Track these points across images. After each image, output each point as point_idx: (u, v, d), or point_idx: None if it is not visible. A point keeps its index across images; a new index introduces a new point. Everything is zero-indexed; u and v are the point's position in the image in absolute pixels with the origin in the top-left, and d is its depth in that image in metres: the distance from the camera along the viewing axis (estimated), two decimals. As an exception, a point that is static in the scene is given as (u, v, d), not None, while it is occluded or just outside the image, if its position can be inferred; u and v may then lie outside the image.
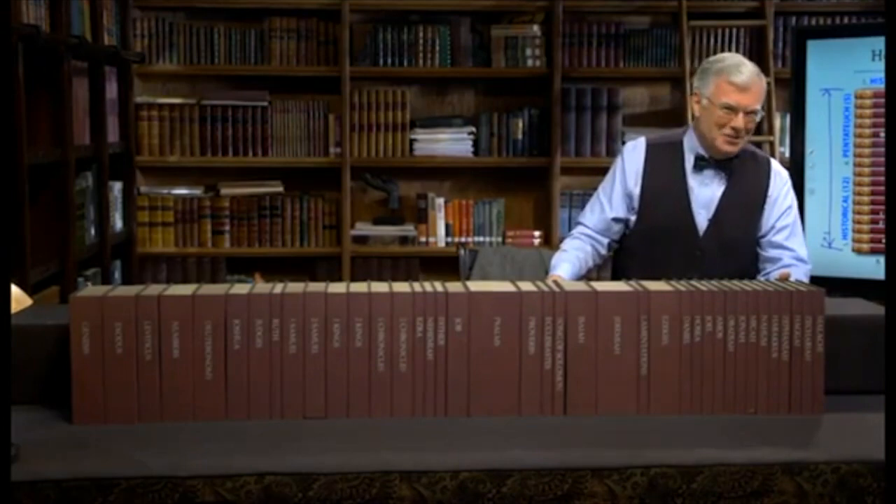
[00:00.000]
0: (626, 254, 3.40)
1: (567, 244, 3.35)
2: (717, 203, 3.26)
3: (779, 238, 3.29)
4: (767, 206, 3.29)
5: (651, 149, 3.33)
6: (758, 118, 3.22)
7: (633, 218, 3.32)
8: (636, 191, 3.29)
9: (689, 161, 3.28)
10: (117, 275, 4.88)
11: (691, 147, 3.30)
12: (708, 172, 3.27)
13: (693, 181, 3.27)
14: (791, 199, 3.34)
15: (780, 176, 3.33)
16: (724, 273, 2.89)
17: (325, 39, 5.30)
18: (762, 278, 3.23)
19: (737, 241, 3.26)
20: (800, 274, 3.19)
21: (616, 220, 3.33)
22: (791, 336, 2.36)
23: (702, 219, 3.26)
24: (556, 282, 2.46)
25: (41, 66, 3.88)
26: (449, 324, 2.30)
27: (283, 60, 5.27)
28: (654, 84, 5.51)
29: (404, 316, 2.30)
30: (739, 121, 3.15)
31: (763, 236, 3.30)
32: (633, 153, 3.33)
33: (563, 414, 2.34)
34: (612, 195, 3.33)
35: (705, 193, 3.27)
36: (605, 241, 3.36)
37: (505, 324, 2.31)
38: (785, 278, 2.99)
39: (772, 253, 3.29)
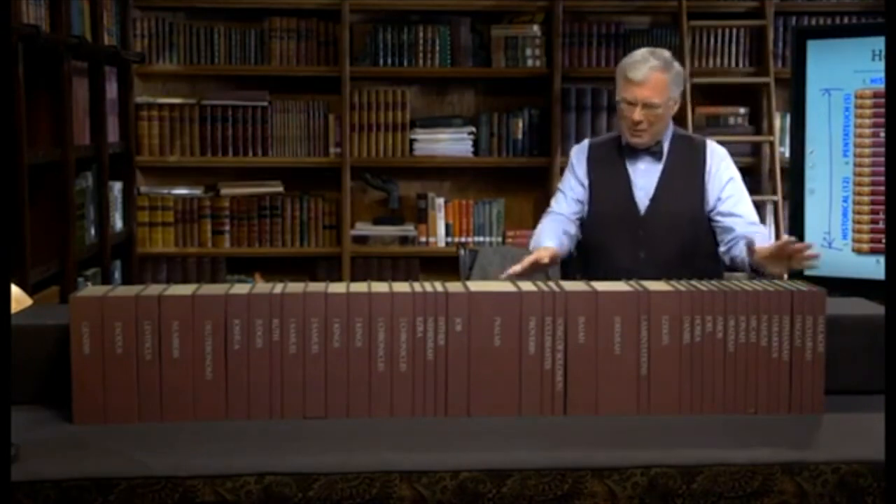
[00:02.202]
0: (578, 246, 3.56)
1: (542, 223, 3.52)
2: (656, 184, 3.41)
3: (726, 207, 3.40)
4: (708, 182, 3.42)
5: (593, 147, 3.55)
6: (660, 111, 3.35)
7: (586, 208, 3.50)
8: (583, 187, 3.49)
9: (626, 152, 3.47)
10: (117, 275, 4.88)
11: (625, 141, 3.48)
12: (644, 159, 3.44)
13: (632, 169, 3.44)
14: (731, 171, 3.47)
15: (716, 153, 3.48)
16: (667, 249, 3.25)
17: (325, 39, 5.30)
18: (724, 249, 3.37)
19: (678, 218, 3.38)
20: (762, 239, 3.24)
21: (578, 200, 3.50)
22: (791, 336, 2.36)
23: (642, 201, 3.41)
24: (556, 282, 2.45)
25: (41, 66, 3.88)
26: (449, 324, 2.30)
27: (283, 60, 5.27)
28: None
29: (404, 316, 2.30)
30: (636, 114, 3.33)
31: (712, 210, 3.42)
32: (580, 152, 3.56)
33: (563, 414, 2.34)
34: (570, 184, 3.54)
35: (644, 178, 3.43)
36: (573, 222, 3.49)
37: (505, 324, 2.31)
38: (752, 246, 3.06)
39: (724, 222, 3.40)
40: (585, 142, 3.60)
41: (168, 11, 5.29)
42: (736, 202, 3.42)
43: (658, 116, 3.35)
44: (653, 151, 3.42)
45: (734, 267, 3.45)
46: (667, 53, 3.43)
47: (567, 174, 3.56)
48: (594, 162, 3.49)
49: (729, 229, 3.37)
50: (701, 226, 3.41)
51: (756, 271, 3.27)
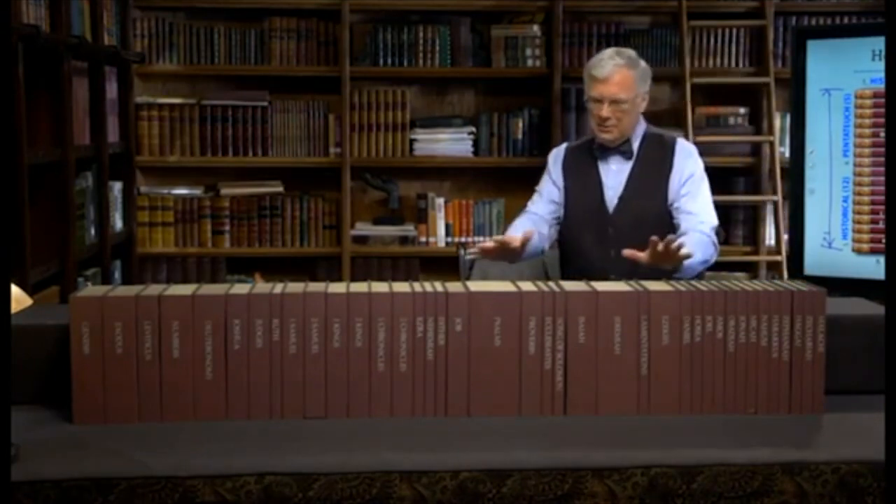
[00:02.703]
0: (558, 247, 3.67)
1: (516, 220, 3.62)
2: (625, 182, 3.48)
3: (681, 203, 3.45)
4: (672, 180, 3.47)
5: (569, 150, 3.65)
6: (628, 106, 3.42)
7: (562, 212, 3.58)
8: (558, 189, 3.59)
9: (598, 153, 3.54)
10: (117, 275, 4.88)
11: (597, 142, 3.56)
12: (614, 158, 3.52)
13: (604, 169, 3.53)
14: (693, 167, 3.50)
15: (683, 150, 3.53)
16: (635, 245, 3.18)
17: (325, 39, 5.30)
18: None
19: (646, 217, 3.42)
20: (691, 241, 3.21)
21: (553, 201, 3.59)
22: (791, 336, 2.36)
23: (611, 198, 3.48)
24: (556, 282, 2.45)
25: (41, 66, 3.88)
26: (449, 324, 2.30)
27: (283, 60, 5.27)
28: (654, 84, 5.47)
29: (404, 316, 2.30)
30: (603, 110, 3.42)
31: (671, 204, 3.47)
32: (557, 156, 3.65)
33: (563, 414, 2.34)
34: (546, 186, 3.63)
35: (613, 177, 3.51)
36: (547, 222, 3.58)
37: (505, 324, 2.31)
38: (667, 245, 3.01)
39: (677, 219, 3.44)
40: (563, 146, 3.68)
41: (168, 11, 5.29)
42: (689, 199, 3.44)
43: (625, 112, 3.42)
44: (622, 151, 3.49)
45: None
46: (632, 52, 3.53)
47: (544, 176, 3.65)
48: (569, 165, 3.58)
49: (678, 226, 3.41)
50: (667, 222, 3.44)
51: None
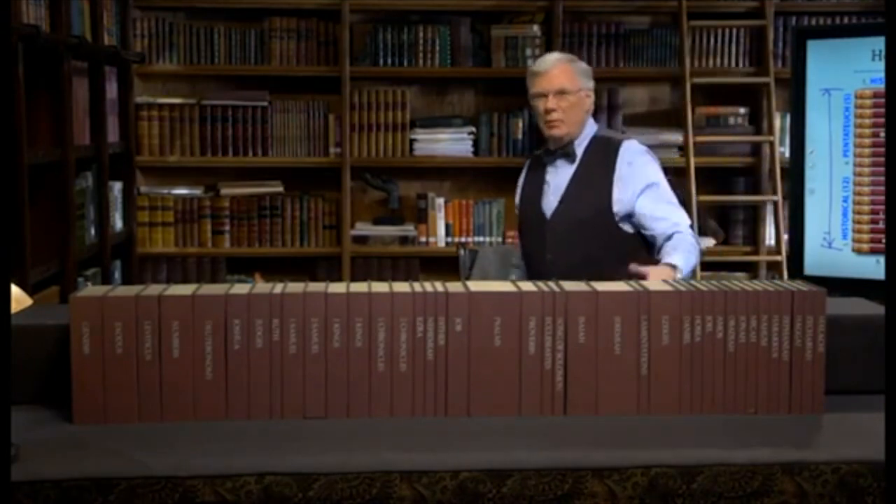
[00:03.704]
0: None
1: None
2: (565, 187, 3.45)
3: (645, 211, 3.36)
4: (615, 185, 3.38)
5: (533, 158, 3.68)
6: (573, 98, 3.42)
7: None
8: (518, 199, 3.66)
9: (547, 156, 3.55)
10: (117, 275, 4.88)
11: (545, 147, 3.58)
12: (559, 162, 3.50)
13: (549, 173, 3.52)
14: (644, 172, 3.39)
15: (629, 153, 3.42)
16: (573, 253, 3.32)
17: (325, 39, 5.30)
18: (659, 258, 3.29)
19: (584, 222, 3.38)
20: (679, 242, 3.24)
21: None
22: (791, 336, 2.36)
23: (551, 203, 3.47)
24: (556, 282, 2.45)
25: (41, 66, 3.88)
26: (449, 324, 2.30)
27: (283, 60, 5.27)
28: (654, 84, 5.51)
29: (404, 316, 2.30)
30: (549, 102, 3.42)
31: (630, 216, 3.38)
32: (525, 166, 3.69)
33: (563, 414, 2.34)
34: (518, 200, 3.69)
35: (557, 182, 3.49)
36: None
37: (505, 324, 2.31)
38: (642, 276, 2.95)
39: (649, 227, 3.36)
40: (536, 154, 3.70)
41: (168, 11, 5.29)
42: (653, 205, 3.37)
43: (571, 104, 3.42)
44: (566, 154, 3.47)
45: None
46: (572, 55, 3.61)
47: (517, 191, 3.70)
48: (529, 171, 3.64)
49: (652, 234, 3.36)
50: (610, 229, 3.37)
51: None
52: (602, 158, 3.43)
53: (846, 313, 2.54)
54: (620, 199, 3.37)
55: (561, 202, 3.43)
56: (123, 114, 4.99)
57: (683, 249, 3.22)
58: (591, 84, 3.49)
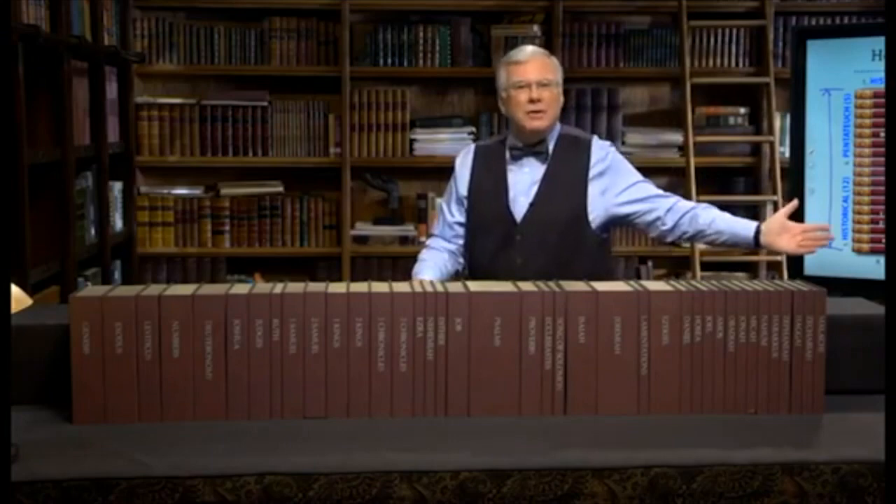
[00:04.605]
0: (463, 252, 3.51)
1: (423, 254, 3.48)
2: (537, 188, 3.32)
3: (635, 197, 3.31)
4: (591, 184, 3.31)
5: (478, 151, 3.47)
6: (555, 89, 3.31)
7: (468, 215, 3.44)
8: (465, 191, 3.42)
9: (509, 154, 3.39)
10: (117, 275, 4.88)
11: (510, 142, 3.40)
12: (527, 161, 3.36)
13: (513, 173, 3.36)
14: (620, 170, 3.35)
15: (600, 151, 3.36)
16: (545, 255, 3.19)
17: (325, 39, 5.30)
18: (666, 228, 3.28)
19: (558, 224, 3.28)
20: (717, 216, 3.24)
21: (458, 223, 3.44)
22: (792, 336, 2.36)
23: (521, 205, 3.32)
24: (556, 282, 2.45)
25: (41, 66, 3.88)
26: (449, 324, 2.30)
27: (283, 60, 5.27)
28: (654, 84, 5.51)
29: (404, 316, 2.30)
30: (534, 92, 3.26)
31: (609, 214, 3.31)
32: (465, 158, 3.46)
33: (563, 414, 2.34)
34: (451, 202, 3.47)
35: (525, 181, 3.34)
36: (455, 246, 3.46)
37: (505, 324, 2.31)
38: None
39: (644, 211, 3.31)
40: (471, 147, 3.52)
41: (168, 11, 5.29)
42: (640, 190, 3.33)
43: (553, 97, 3.30)
44: (538, 152, 3.34)
45: (691, 240, 3.40)
46: (546, 51, 3.45)
47: (450, 185, 3.48)
48: (478, 168, 3.41)
49: (653, 210, 3.30)
50: (583, 231, 3.31)
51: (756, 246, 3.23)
52: (574, 158, 3.33)
53: (846, 313, 2.54)
54: (597, 199, 3.30)
55: (533, 204, 3.29)
56: (123, 114, 4.99)
57: (721, 213, 3.24)
58: (562, 83, 3.38)
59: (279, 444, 2.15)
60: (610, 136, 5.33)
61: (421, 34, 5.29)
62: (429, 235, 3.57)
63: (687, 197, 5.05)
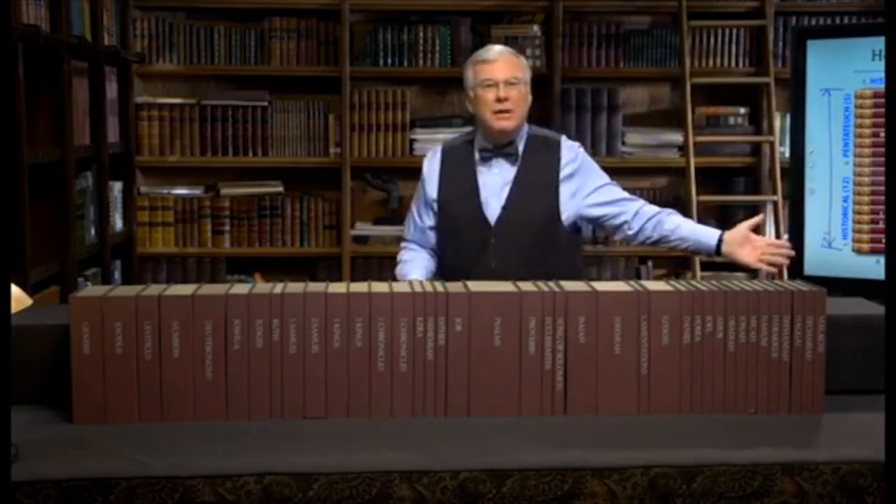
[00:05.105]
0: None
1: (404, 255, 3.45)
2: (509, 189, 3.30)
3: (602, 200, 3.32)
4: (562, 184, 3.31)
5: (446, 152, 3.43)
6: (523, 88, 3.29)
7: (438, 217, 3.41)
8: (435, 195, 3.38)
9: (478, 156, 3.36)
10: (117, 275, 4.88)
11: (479, 143, 3.37)
12: (496, 162, 3.33)
13: (483, 174, 3.34)
14: (589, 171, 3.35)
15: (569, 151, 3.36)
16: (519, 257, 3.18)
17: (325, 39, 5.30)
18: (632, 233, 3.30)
19: (531, 225, 3.27)
20: (680, 223, 3.27)
21: (430, 228, 3.42)
22: (792, 336, 2.36)
23: (493, 208, 3.30)
24: (555, 282, 2.45)
25: (41, 66, 3.88)
26: (449, 324, 2.30)
27: (283, 60, 5.27)
28: (654, 84, 5.51)
29: (404, 316, 2.30)
30: (501, 91, 3.24)
31: (580, 215, 3.32)
32: (432, 160, 3.43)
33: (563, 414, 2.34)
34: (420, 206, 3.44)
35: (496, 182, 3.32)
36: (427, 250, 3.45)
37: (505, 324, 2.31)
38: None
39: (612, 213, 3.31)
40: (438, 148, 3.48)
41: (168, 11, 5.29)
42: (611, 191, 3.34)
43: (521, 96, 3.28)
44: (507, 153, 3.32)
45: (656, 244, 3.39)
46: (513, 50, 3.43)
47: (418, 188, 3.45)
48: (447, 169, 3.38)
49: (622, 214, 3.31)
50: (557, 232, 3.30)
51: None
52: (544, 159, 3.32)
53: (846, 313, 2.54)
54: (567, 200, 3.30)
55: (506, 207, 3.27)
56: (123, 114, 4.99)
57: (683, 219, 3.29)
58: (529, 83, 3.36)
59: (279, 444, 2.15)
60: (610, 136, 5.34)
61: (421, 34, 5.29)
62: (402, 241, 3.53)
63: (687, 197, 5.09)
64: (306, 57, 5.29)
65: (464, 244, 3.31)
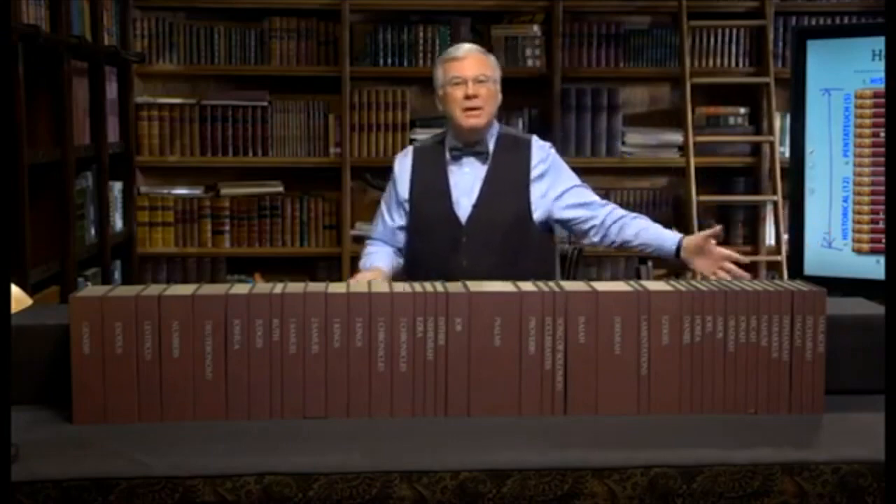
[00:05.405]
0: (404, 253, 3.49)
1: (368, 249, 3.47)
2: (480, 188, 3.31)
3: (571, 202, 3.34)
4: (533, 184, 3.32)
5: (417, 152, 3.45)
6: (492, 86, 3.29)
7: (409, 217, 3.42)
8: (406, 195, 3.39)
9: (449, 155, 3.37)
10: (117, 275, 4.88)
11: (449, 142, 3.38)
12: (467, 161, 3.35)
13: (454, 173, 3.35)
14: (560, 171, 3.37)
15: (541, 151, 3.37)
16: (491, 256, 3.20)
17: (325, 39, 5.30)
18: (597, 239, 3.34)
19: (502, 224, 3.28)
20: (644, 227, 3.30)
21: (399, 228, 3.43)
22: (791, 336, 2.36)
23: (465, 207, 3.31)
24: (555, 282, 2.45)
25: (41, 66, 3.88)
26: (449, 324, 2.30)
27: (283, 60, 5.27)
28: (654, 84, 5.51)
29: (404, 316, 2.30)
30: (469, 88, 3.24)
31: (550, 214, 3.34)
32: (403, 160, 3.45)
33: (563, 414, 2.34)
34: (390, 205, 3.46)
35: (467, 181, 3.33)
36: (393, 249, 3.46)
37: (505, 324, 2.31)
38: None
39: (580, 216, 3.34)
40: (409, 149, 3.50)
41: (168, 11, 5.29)
42: (582, 194, 3.36)
43: (490, 93, 3.28)
44: (478, 152, 3.33)
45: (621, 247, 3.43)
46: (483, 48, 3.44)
47: (389, 188, 3.46)
48: (418, 169, 3.39)
49: (591, 219, 3.33)
50: (528, 229, 3.31)
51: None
52: (514, 158, 3.33)
53: (846, 313, 2.54)
54: (538, 200, 3.31)
55: (476, 206, 3.28)
56: (123, 114, 4.99)
57: (647, 222, 3.31)
58: (499, 81, 3.36)
59: (279, 444, 2.15)
60: (610, 136, 5.35)
61: (421, 34, 5.29)
62: (367, 239, 3.54)
63: (687, 197, 5.09)
64: (306, 57, 5.29)
65: (435, 243, 3.32)
